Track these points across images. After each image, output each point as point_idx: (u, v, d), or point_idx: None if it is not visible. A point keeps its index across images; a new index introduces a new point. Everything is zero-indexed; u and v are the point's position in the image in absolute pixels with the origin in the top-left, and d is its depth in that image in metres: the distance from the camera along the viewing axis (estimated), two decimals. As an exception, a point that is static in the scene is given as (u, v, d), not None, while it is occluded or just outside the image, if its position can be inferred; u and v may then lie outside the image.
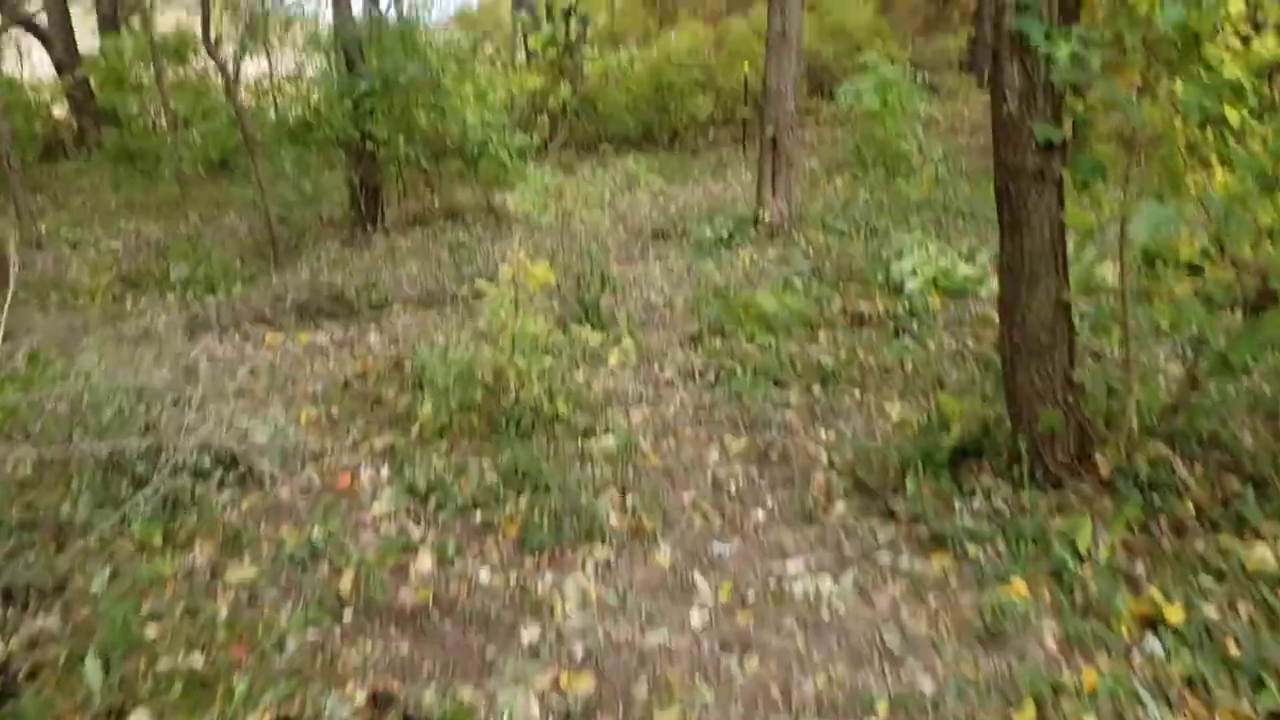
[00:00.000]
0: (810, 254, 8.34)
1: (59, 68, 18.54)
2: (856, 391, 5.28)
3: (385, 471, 4.48)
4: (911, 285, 6.83)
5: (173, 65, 14.81)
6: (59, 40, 18.41)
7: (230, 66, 9.43)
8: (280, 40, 11.41)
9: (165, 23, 19.80)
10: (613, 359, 5.41)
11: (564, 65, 12.49)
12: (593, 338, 5.63)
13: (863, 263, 7.59)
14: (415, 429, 4.80)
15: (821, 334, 6.27)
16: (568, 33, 10.18)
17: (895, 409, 4.95)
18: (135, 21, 21.71)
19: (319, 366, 6.09)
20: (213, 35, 9.57)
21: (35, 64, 21.31)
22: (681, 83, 18.79)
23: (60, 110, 20.75)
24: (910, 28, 26.47)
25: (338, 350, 6.45)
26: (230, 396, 4.94)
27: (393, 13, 10.94)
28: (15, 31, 20.24)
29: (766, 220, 9.01)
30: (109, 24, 19.31)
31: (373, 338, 6.69)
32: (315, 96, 9.76)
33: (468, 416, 4.75)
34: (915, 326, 6.29)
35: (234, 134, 10.44)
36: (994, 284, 7.16)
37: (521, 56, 19.09)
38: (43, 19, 18.96)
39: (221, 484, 4.28)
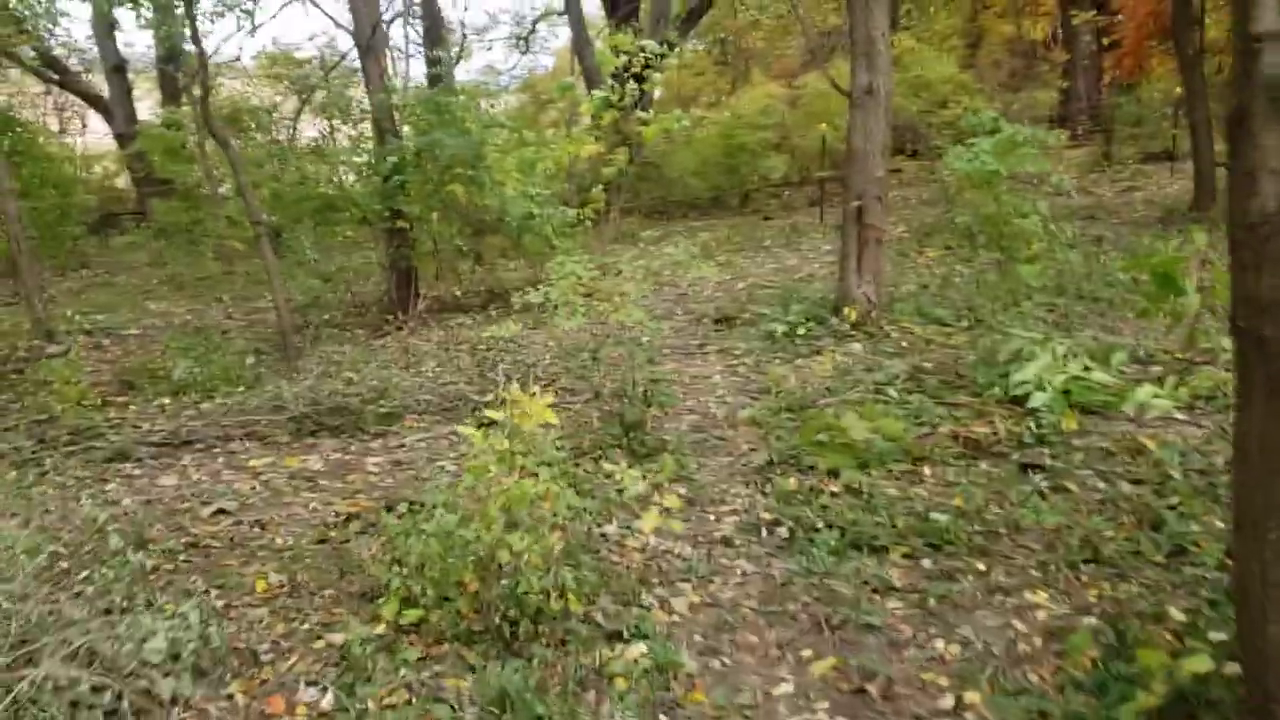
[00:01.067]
0: (905, 352, 6.99)
1: (119, 139, 18.37)
2: (981, 565, 3.90)
3: (329, 696, 3.25)
4: (1038, 399, 5.43)
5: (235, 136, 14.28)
6: (120, 111, 18.24)
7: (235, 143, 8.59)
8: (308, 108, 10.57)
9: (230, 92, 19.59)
10: (649, 520, 4.13)
11: (623, 130, 11.46)
12: (629, 478, 4.37)
13: (972, 366, 6.21)
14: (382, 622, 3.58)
15: (927, 469, 4.90)
16: (623, 96, 9.08)
17: (1041, 604, 3.56)
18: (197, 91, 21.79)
19: (300, 505, 4.95)
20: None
21: (99, 134, 21.33)
22: (753, 143, 17.70)
23: (123, 181, 20.66)
24: (994, 81, 25.09)
25: (329, 480, 5.31)
26: (143, 578, 3.79)
27: (442, 79, 10.10)
28: (76, 102, 20.32)
29: (851, 310, 7.71)
30: (171, 96, 19.14)
31: (373, 462, 5.54)
32: (343, 170, 8.85)
33: (451, 607, 3.52)
34: (1047, 458, 4.89)
35: (282, 206, 9.61)
36: (1140, 394, 5.75)
37: (587, 121, 18.31)
38: (104, 90, 18.89)
39: None
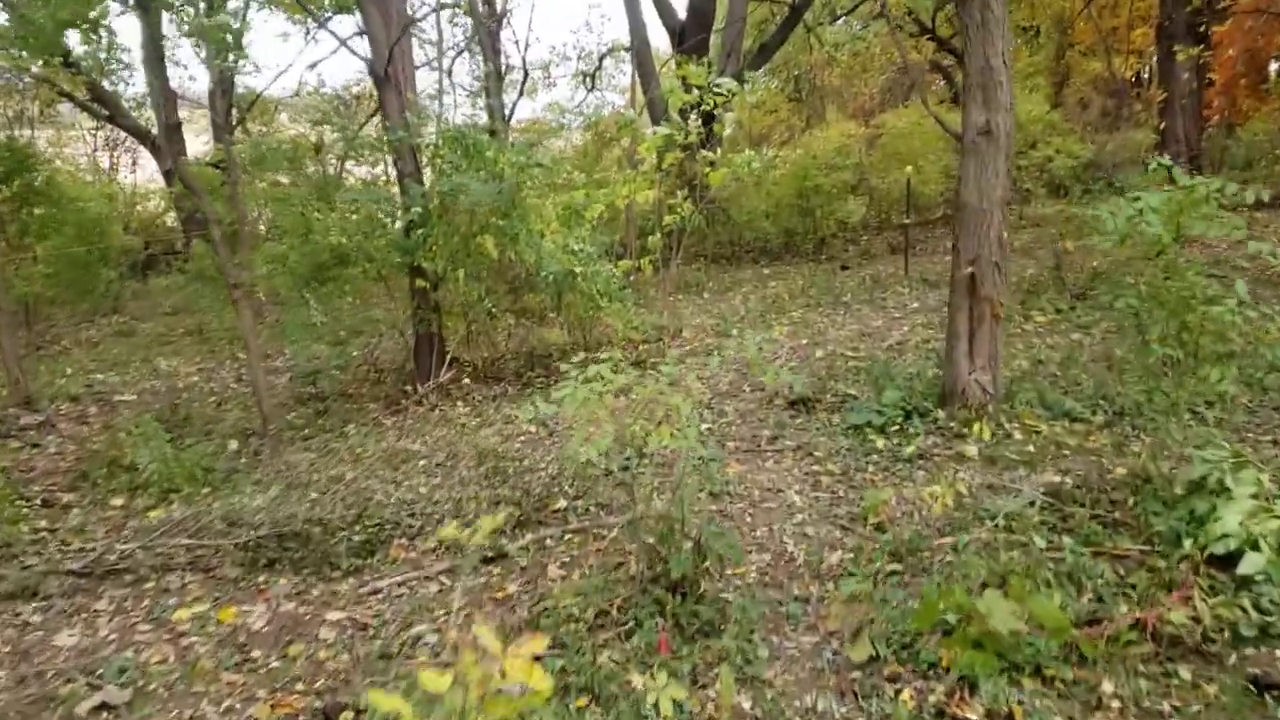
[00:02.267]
0: (1034, 459, 5.42)
1: (168, 177, 17.70)
2: None
3: None
4: (1251, 564, 3.83)
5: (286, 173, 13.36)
6: (169, 149, 17.56)
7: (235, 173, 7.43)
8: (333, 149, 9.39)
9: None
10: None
11: (688, 171, 10.12)
12: (667, 700, 2.92)
13: (1132, 490, 4.62)
14: None
15: (1106, 683, 3.34)
16: (688, 134, 7.75)
17: None
18: (254, 127, 21.12)
19: (211, 701, 3.59)
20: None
21: (150, 172, 20.77)
22: (829, 184, 16.20)
23: (173, 219, 20.00)
24: (1083, 121, 23.26)
25: (264, 651, 3.94)
26: None
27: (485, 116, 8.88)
28: (126, 139, 19.77)
29: (964, 401, 6.17)
30: (222, 133, 18.44)
31: (332, 620, 4.17)
32: (356, 218, 7.60)
33: None
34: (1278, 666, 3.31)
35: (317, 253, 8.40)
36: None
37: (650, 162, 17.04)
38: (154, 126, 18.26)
39: None
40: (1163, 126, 19.89)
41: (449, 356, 8.04)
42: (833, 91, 24.26)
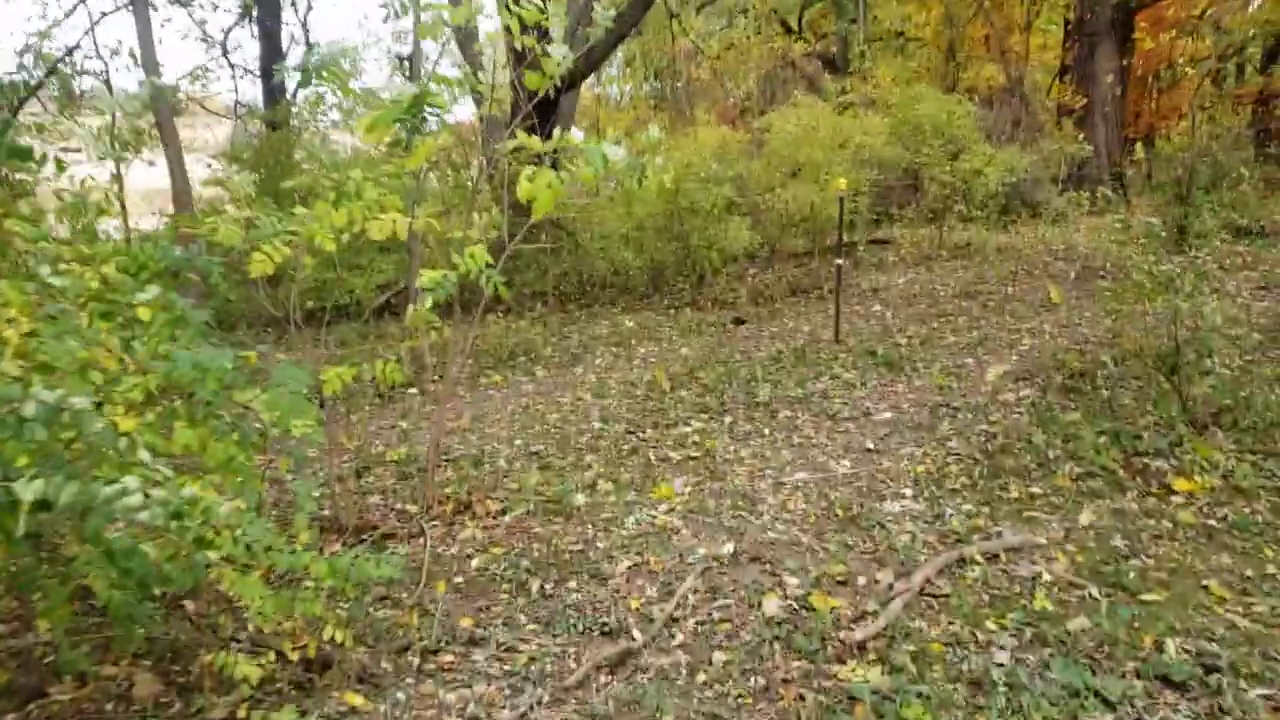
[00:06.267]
0: None
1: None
2: None
3: None
4: None
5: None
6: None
7: None
8: None
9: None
10: None
11: (501, 175, 5.92)
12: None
13: None
14: None
15: None
16: (482, 92, 3.57)
17: None
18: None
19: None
20: None
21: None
22: (708, 202, 12.26)
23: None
24: (983, 130, 20.36)
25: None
26: None
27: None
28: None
29: None
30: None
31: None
32: None
33: None
34: None
35: None
36: None
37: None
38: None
39: None
40: (1081, 138, 17.08)
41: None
42: (701, 89, 20.50)
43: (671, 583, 3.94)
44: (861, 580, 3.80)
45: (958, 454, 5.26)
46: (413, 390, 7.87)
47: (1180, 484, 4.23)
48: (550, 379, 8.05)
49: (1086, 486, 4.51)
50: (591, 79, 22.37)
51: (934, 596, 3.59)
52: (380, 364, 4.46)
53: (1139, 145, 16.66)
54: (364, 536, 4.67)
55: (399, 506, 5.16)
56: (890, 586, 3.66)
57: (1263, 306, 8.03)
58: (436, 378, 8.06)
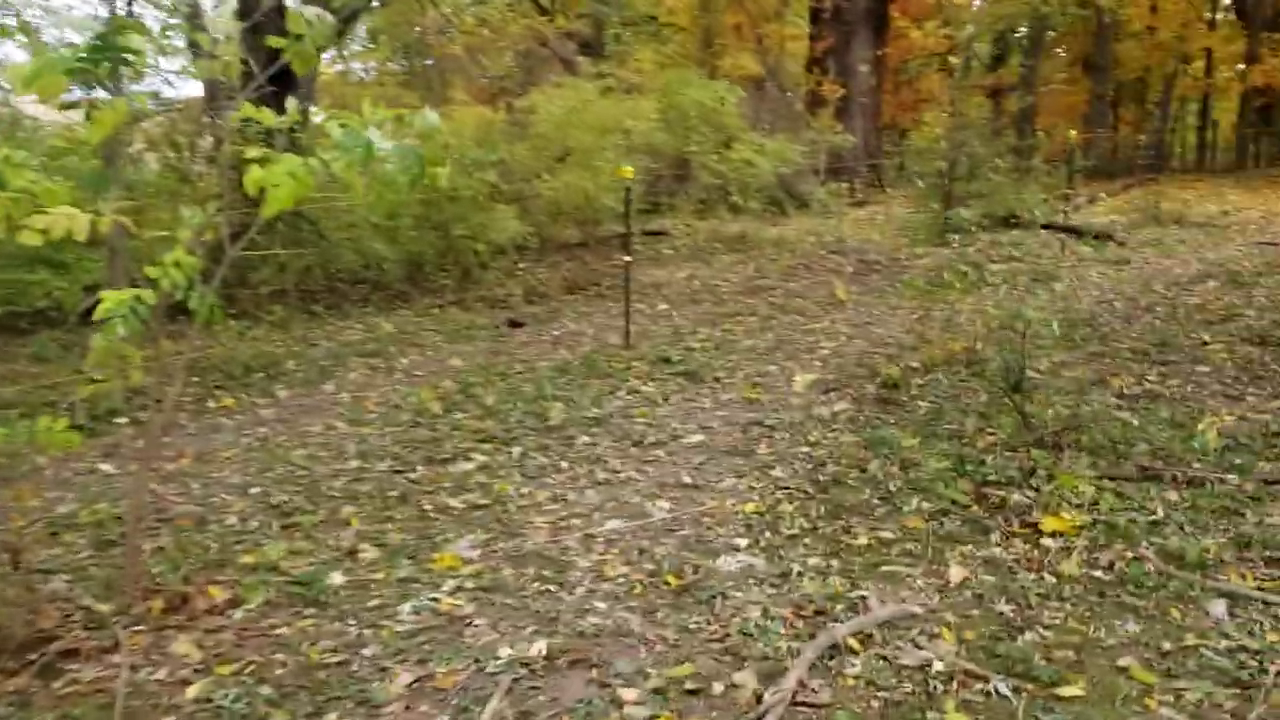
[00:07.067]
0: None
1: None
2: None
3: None
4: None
5: None
6: None
7: None
8: None
9: None
10: None
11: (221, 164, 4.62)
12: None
13: None
14: None
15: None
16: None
17: None
18: None
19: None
20: None
21: None
22: (469, 188, 11.13)
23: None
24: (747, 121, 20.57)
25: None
26: None
27: None
28: None
29: None
30: None
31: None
32: None
33: None
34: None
35: None
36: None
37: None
38: None
39: None
40: (839, 129, 17.42)
41: None
42: (455, 67, 19.15)
43: (469, 707, 2.93)
44: (717, 686, 2.97)
45: (786, 487, 4.58)
46: (121, 420, 6.25)
47: (1049, 522, 3.73)
48: (294, 401, 6.70)
49: (943, 529, 3.93)
50: (330, 52, 20.40)
51: (812, 708, 2.82)
52: (44, 422, 3.16)
53: (898, 135, 17.27)
54: (31, 657, 3.30)
55: (87, 603, 3.77)
56: (758, 697, 2.86)
57: (1043, 300, 8.06)
58: (155, 400, 6.46)
